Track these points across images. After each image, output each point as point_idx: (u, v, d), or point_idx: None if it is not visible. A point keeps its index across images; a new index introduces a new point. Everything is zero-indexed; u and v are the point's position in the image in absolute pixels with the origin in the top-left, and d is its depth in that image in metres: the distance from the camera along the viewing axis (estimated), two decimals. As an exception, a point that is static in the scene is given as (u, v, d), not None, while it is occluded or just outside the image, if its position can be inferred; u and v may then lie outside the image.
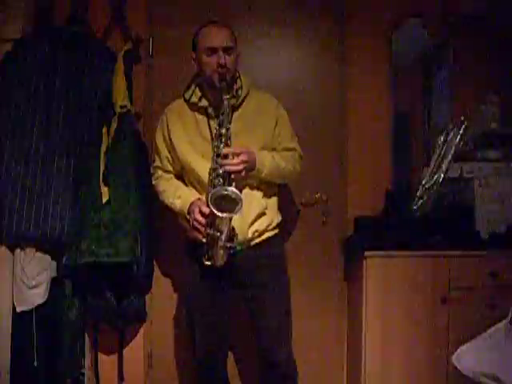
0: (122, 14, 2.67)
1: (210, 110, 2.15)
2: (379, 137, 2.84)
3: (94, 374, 2.64)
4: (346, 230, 2.79)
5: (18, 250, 2.46)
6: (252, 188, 2.15)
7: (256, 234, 2.14)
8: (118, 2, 2.67)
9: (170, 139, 2.19)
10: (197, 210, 2.02)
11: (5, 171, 2.40)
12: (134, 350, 2.74)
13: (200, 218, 2.01)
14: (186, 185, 2.22)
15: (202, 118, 2.17)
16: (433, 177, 2.65)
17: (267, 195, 2.21)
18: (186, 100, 2.20)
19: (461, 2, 2.79)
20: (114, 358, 2.70)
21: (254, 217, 2.13)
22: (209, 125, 2.14)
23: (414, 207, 2.64)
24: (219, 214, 1.91)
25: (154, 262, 2.70)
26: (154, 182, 2.29)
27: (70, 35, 2.52)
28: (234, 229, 2.02)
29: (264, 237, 2.18)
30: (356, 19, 2.81)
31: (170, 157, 2.22)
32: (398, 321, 2.46)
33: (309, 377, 2.70)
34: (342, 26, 2.81)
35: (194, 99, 2.17)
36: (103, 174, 2.41)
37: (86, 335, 2.61)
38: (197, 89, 2.19)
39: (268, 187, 2.21)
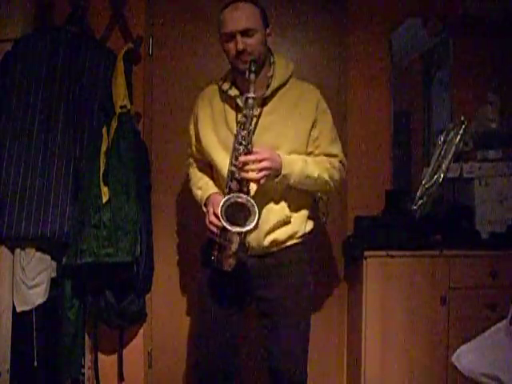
0: (122, 13, 2.67)
1: (238, 101, 1.93)
2: (379, 137, 2.84)
3: (93, 374, 2.64)
4: (345, 230, 2.79)
5: (17, 250, 2.45)
6: (275, 194, 1.92)
7: (274, 243, 1.94)
8: (118, 2, 2.67)
9: (197, 126, 2.03)
10: (211, 211, 1.86)
11: (5, 171, 2.39)
12: (134, 350, 2.74)
13: (215, 220, 1.84)
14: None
15: (230, 108, 1.96)
16: (433, 177, 2.65)
17: (295, 203, 1.96)
18: (219, 86, 2.01)
19: (461, 2, 2.78)
20: (114, 358, 2.70)
21: (273, 225, 1.92)
22: (236, 117, 1.92)
23: (414, 207, 2.64)
24: (229, 227, 1.75)
25: (154, 262, 2.70)
26: (187, 169, 2.19)
27: (70, 35, 2.51)
28: (246, 238, 1.86)
29: (286, 245, 1.98)
30: (356, 19, 2.81)
31: (197, 144, 2.07)
32: (397, 321, 2.46)
33: (309, 377, 2.70)
34: (342, 26, 2.81)
35: (225, 86, 1.97)
36: (103, 173, 2.40)
37: (86, 335, 2.61)
38: (230, 75, 1.99)
39: (298, 194, 1.97)
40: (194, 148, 2.08)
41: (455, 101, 2.86)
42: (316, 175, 1.91)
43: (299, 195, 1.97)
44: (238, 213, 1.77)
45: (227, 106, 1.96)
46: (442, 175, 2.64)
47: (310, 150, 1.96)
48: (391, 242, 2.49)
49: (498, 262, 2.48)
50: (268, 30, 1.93)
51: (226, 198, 1.78)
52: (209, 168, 2.06)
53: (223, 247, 1.84)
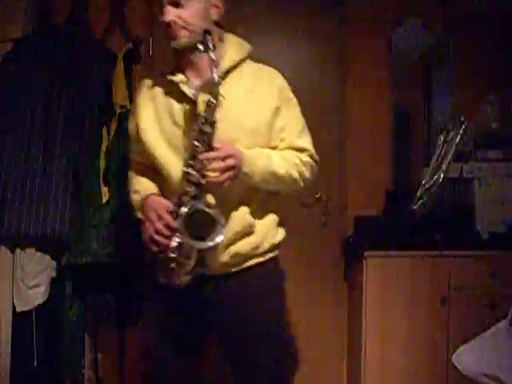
0: (122, 13, 2.67)
1: (184, 88, 1.57)
2: (379, 136, 2.84)
3: (93, 374, 2.64)
4: (345, 230, 2.79)
5: (17, 250, 2.45)
6: (234, 197, 1.58)
7: (236, 258, 1.59)
8: (118, 2, 2.67)
9: (137, 122, 1.66)
10: (154, 217, 1.52)
11: (5, 171, 2.39)
12: (134, 350, 2.73)
13: (163, 229, 1.51)
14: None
15: (175, 98, 1.59)
16: (433, 177, 2.65)
17: (260, 208, 1.63)
18: (161, 72, 1.66)
19: (461, 2, 2.79)
20: (114, 358, 2.70)
21: (231, 236, 1.56)
22: (183, 108, 1.58)
23: (414, 207, 2.64)
24: (192, 243, 1.47)
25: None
26: None
27: (70, 35, 2.52)
28: (204, 252, 1.54)
29: (250, 263, 1.62)
30: (356, 19, 2.81)
31: (137, 144, 1.70)
32: (397, 321, 2.46)
33: (309, 376, 2.70)
34: (342, 26, 2.81)
35: (168, 71, 1.62)
36: (103, 173, 2.40)
37: (86, 335, 2.61)
38: (174, 58, 1.64)
39: (264, 197, 1.65)
40: (134, 149, 1.74)
41: (455, 101, 2.86)
42: (283, 172, 1.59)
43: (265, 198, 1.65)
44: (195, 222, 1.47)
45: (172, 96, 1.60)
46: (442, 175, 2.64)
47: (274, 143, 1.62)
48: (391, 242, 2.50)
49: (498, 262, 2.48)
50: (215, 1, 1.60)
51: (190, 206, 1.47)
52: (152, 172, 1.70)
53: (177, 263, 1.51)
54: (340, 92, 2.81)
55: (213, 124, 1.49)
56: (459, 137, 2.66)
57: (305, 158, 1.66)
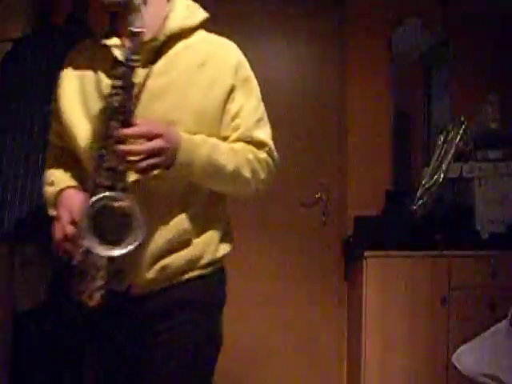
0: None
1: (116, 53, 1.26)
2: (379, 137, 2.84)
3: (94, 373, 2.64)
4: (346, 230, 2.79)
5: (17, 250, 2.45)
6: (168, 195, 1.24)
7: (165, 275, 1.25)
8: (117, 2, 2.67)
9: (59, 98, 1.37)
10: (66, 217, 1.23)
11: (5, 171, 2.39)
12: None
13: (71, 232, 1.20)
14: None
15: (106, 67, 1.28)
16: (433, 177, 2.65)
17: (199, 210, 1.28)
18: (93, 37, 1.39)
19: (461, 2, 2.79)
20: (114, 358, 2.69)
21: (161, 248, 1.23)
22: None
23: (414, 207, 2.64)
24: (95, 248, 1.12)
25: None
26: None
27: (70, 35, 2.51)
28: (121, 263, 1.19)
29: (191, 275, 1.28)
30: (356, 19, 2.81)
31: (57, 125, 1.41)
32: (398, 321, 2.46)
33: (309, 376, 2.70)
34: (342, 26, 2.81)
35: (100, 34, 1.38)
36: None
37: (86, 335, 2.61)
38: (108, 22, 1.41)
39: (205, 197, 1.30)
40: (53, 129, 1.46)
41: (455, 101, 2.87)
42: (231, 168, 1.23)
43: (210, 199, 1.31)
44: (109, 223, 1.13)
45: (102, 66, 1.30)
46: (442, 175, 2.64)
47: (224, 133, 1.28)
48: (391, 242, 2.50)
49: (498, 262, 2.48)
50: None
51: (94, 199, 1.12)
52: (73, 161, 1.40)
53: (87, 275, 1.19)
54: (340, 92, 2.81)
55: (130, 89, 1.16)
56: (459, 137, 2.67)
57: (261, 154, 1.30)
